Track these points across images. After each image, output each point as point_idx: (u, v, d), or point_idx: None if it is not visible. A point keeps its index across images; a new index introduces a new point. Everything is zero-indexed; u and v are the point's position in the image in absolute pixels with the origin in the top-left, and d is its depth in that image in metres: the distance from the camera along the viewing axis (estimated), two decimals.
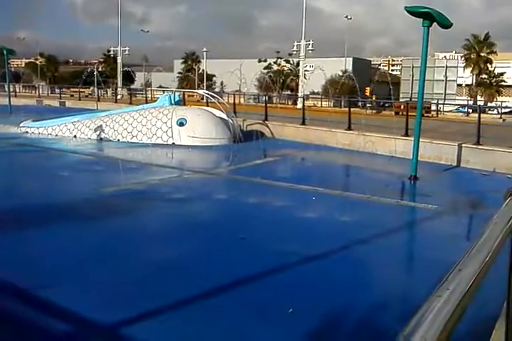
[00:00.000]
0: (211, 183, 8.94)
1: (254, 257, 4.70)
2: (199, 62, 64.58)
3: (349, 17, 56.01)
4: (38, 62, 75.85)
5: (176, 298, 3.64)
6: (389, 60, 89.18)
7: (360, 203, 7.15)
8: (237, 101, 21.71)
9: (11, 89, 28.09)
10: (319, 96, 48.36)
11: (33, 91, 43.78)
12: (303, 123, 15.28)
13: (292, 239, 5.33)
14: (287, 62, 59.35)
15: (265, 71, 59.39)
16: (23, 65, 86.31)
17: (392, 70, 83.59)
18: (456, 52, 58.82)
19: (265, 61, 64.38)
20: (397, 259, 5.13)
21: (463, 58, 47.41)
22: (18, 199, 7.01)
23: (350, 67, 56.15)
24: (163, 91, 25.87)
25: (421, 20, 8.24)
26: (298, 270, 4.39)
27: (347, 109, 15.81)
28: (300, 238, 5.38)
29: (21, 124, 15.69)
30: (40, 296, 3.63)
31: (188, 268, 4.36)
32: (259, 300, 3.74)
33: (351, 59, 60.94)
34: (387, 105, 31.40)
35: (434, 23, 8.23)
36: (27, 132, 15.18)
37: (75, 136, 14.62)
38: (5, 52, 23.46)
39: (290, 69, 57.42)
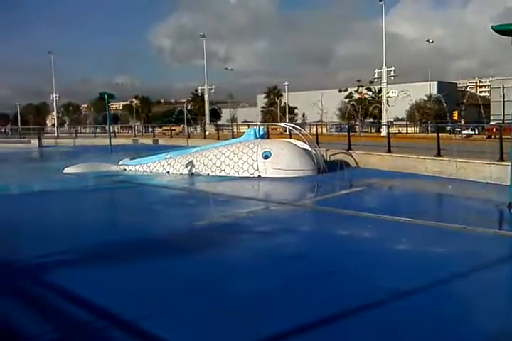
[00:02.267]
0: (297, 215, 9.00)
1: (343, 291, 4.62)
2: (281, 95, 66.30)
3: (431, 40, 54.79)
4: (133, 104, 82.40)
5: (266, 333, 3.67)
6: (476, 82, 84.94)
7: (455, 234, 6.83)
8: (319, 132, 21.83)
9: (111, 130, 30.67)
10: (404, 123, 47.04)
11: (130, 131, 47.38)
12: (388, 151, 14.99)
13: (383, 272, 5.20)
14: (369, 89, 58.86)
15: (346, 100, 59.35)
16: (120, 108, 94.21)
17: (480, 92, 79.45)
18: None
19: (346, 90, 64.42)
20: (499, 294, 4.81)
21: None
22: (118, 232, 7.52)
23: (435, 91, 54.33)
24: (248, 125, 26.75)
25: (510, 38, 7.92)
26: (391, 305, 4.24)
27: (434, 134, 15.32)
28: (391, 271, 5.23)
29: (120, 162, 17.04)
30: (138, 326, 3.84)
31: (276, 302, 4.38)
32: (350, 337, 3.67)
33: (436, 83, 59.05)
34: (478, 129, 29.77)
35: None
36: (125, 169, 16.44)
37: (168, 172, 15.56)
38: (106, 97, 26.05)
39: (372, 97, 56.75)
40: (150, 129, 45.51)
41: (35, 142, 35.70)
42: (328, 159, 16.30)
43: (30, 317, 4.08)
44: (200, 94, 54.74)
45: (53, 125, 62.40)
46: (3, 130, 59.67)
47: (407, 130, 41.51)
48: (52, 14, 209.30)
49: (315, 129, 23.15)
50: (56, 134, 48.63)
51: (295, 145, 15.20)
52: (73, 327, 3.92)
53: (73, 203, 10.65)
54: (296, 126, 18.71)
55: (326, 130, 44.46)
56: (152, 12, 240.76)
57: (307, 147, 15.22)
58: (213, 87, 47.96)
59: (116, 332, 3.80)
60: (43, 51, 58.36)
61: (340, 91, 65.38)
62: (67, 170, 15.88)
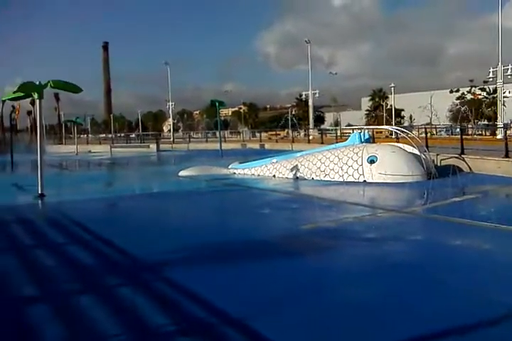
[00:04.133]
0: (405, 222, 8.74)
1: (454, 304, 4.41)
2: (386, 98, 64.14)
3: None
4: (241, 110, 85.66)
5: None
6: None
7: None
8: (428, 135, 20.91)
9: (221, 135, 32.27)
10: None
11: (238, 136, 49.30)
12: (506, 155, 13.95)
13: (500, 286, 4.91)
14: (482, 90, 54.73)
15: (458, 101, 55.76)
16: (229, 114, 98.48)
17: None
18: None
19: (457, 91, 60.59)
20: None
21: None
22: (227, 233, 7.92)
23: None
24: (352, 129, 26.43)
25: None
26: (509, 322, 4.00)
27: None
28: (509, 286, 4.93)
29: (230, 166, 17.91)
30: (246, 325, 4.03)
31: (380, 312, 4.32)
32: None
33: None
34: None
35: None
36: (234, 173, 17.21)
37: (274, 176, 16.00)
38: (217, 104, 27.55)
39: (486, 98, 52.70)
40: (257, 134, 46.85)
41: (153, 147, 38.90)
42: (438, 164, 15.59)
43: (152, 309, 4.49)
44: (304, 99, 55.15)
45: (169, 131, 67.11)
46: (127, 136, 65.97)
47: None
48: (168, 28, 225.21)
49: (424, 132, 22.19)
50: (172, 139, 52.26)
51: (402, 149, 14.78)
52: (188, 321, 4.23)
53: (187, 205, 11.43)
54: (402, 129, 18.15)
55: (436, 133, 42.28)
56: (257, 20, 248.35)
57: (416, 151, 14.71)
58: (317, 91, 48.12)
59: (227, 330, 4.04)
60: (160, 62, 63.01)
61: (451, 92, 61.68)
62: (181, 173, 17.08)
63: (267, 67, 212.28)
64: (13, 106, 33.92)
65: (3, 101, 18.98)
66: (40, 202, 11.85)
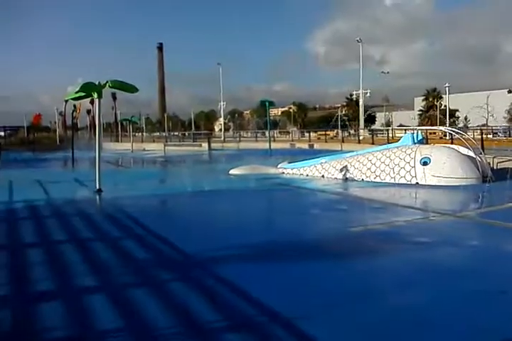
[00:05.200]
0: (459, 227, 8.47)
1: (508, 319, 4.19)
2: (440, 97, 62.01)
3: None
4: (290, 110, 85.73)
5: None
6: None
7: None
8: (484, 137, 20.14)
9: (270, 135, 32.46)
10: None
11: (287, 136, 49.39)
12: None
13: None
14: None
15: None
16: (279, 114, 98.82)
17: None
18: None
19: None
20: None
21: None
22: (275, 233, 7.98)
23: None
24: (405, 130, 25.81)
25: None
26: None
27: None
28: None
29: (279, 165, 17.98)
30: (295, 325, 4.06)
31: (434, 319, 4.20)
32: None
33: None
34: None
35: None
36: (283, 172, 17.27)
37: (322, 176, 15.91)
38: (267, 104, 27.73)
39: None
40: (306, 134, 46.71)
41: (205, 145, 39.78)
42: (495, 167, 14.99)
43: (203, 305, 4.61)
44: (354, 99, 54.40)
45: (220, 130, 68.25)
46: (180, 134, 67.79)
47: None
48: (221, 28, 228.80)
49: (480, 134, 21.36)
50: (223, 138, 53.13)
51: (457, 151, 14.30)
52: (238, 318, 4.31)
53: (237, 203, 11.60)
54: (457, 131, 17.58)
55: (492, 135, 40.61)
56: (308, 19, 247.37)
57: (471, 153, 14.20)
58: (368, 91, 47.34)
59: (277, 329, 4.08)
60: (212, 62, 64.28)
61: (509, 92, 58.85)
62: (232, 171, 17.38)
63: (317, 66, 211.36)
64: (75, 106, 35.58)
65: (66, 101, 19.97)
66: (97, 197, 12.43)
